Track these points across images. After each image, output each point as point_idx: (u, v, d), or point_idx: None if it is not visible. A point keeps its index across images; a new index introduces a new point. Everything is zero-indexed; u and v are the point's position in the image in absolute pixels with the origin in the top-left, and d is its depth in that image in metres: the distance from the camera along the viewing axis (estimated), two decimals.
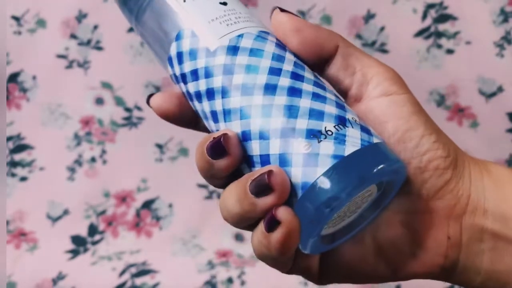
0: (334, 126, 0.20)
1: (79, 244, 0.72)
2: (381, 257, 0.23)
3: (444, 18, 0.70)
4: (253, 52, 0.21)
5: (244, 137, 0.21)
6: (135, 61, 0.73)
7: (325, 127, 0.20)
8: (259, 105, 0.20)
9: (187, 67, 0.22)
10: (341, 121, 0.20)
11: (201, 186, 0.74)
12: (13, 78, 0.73)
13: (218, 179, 0.22)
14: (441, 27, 0.70)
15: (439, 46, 0.70)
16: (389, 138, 0.22)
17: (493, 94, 0.70)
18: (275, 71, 0.21)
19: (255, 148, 0.20)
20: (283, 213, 0.19)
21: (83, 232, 0.73)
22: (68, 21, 0.73)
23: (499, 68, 0.70)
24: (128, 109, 0.74)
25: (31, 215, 0.73)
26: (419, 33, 0.70)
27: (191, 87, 0.22)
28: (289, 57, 0.22)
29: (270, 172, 0.19)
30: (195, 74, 0.22)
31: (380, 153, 0.20)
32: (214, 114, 0.22)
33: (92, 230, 0.73)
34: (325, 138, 0.19)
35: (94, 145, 0.74)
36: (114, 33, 0.73)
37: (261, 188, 0.19)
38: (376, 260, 0.23)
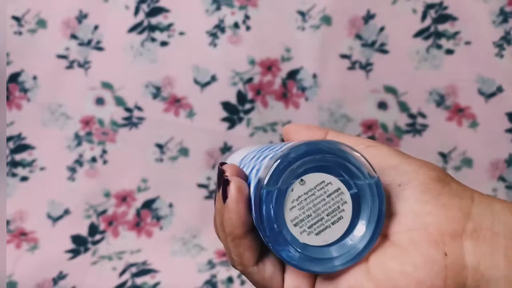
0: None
1: (79, 244, 0.72)
2: (368, 275, 0.22)
3: (443, 18, 0.70)
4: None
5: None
6: (135, 61, 0.73)
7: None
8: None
9: None
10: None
11: (201, 186, 0.74)
12: (14, 78, 0.73)
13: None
14: (441, 27, 0.70)
15: (439, 46, 0.71)
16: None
17: (492, 94, 0.70)
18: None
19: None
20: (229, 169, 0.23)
21: (83, 232, 0.73)
22: (68, 21, 0.73)
23: (499, 68, 0.70)
24: (128, 109, 0.74)
25: (31, 215, 0.73)
26: (419, 33, 0.70)
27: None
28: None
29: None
30: None
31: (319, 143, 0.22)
32: None
33: (93, 230, 0.73)
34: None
35: (94, 145, 0.74)
36: (114, 33, 0.73)
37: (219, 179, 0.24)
38: (363, 278, 0.22)
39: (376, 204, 0.22)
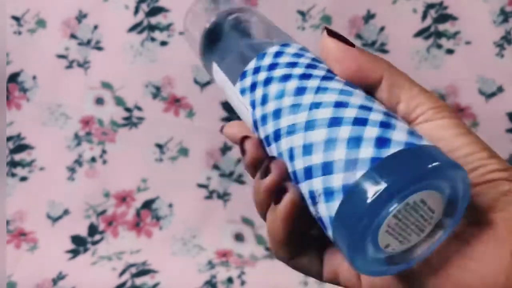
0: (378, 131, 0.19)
1: (79, 244, 0.72)
2: (429, 266, 0.21)
3: (444, 18, 0.70)
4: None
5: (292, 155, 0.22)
6: (135, 61, 0.73)
7: (368, 132, 0.19)
8: (303, 120, 0.21)
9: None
10: (386, 126, 0.19)
11: (201, 186, 0.74)
12: (13, 78, 0.73)
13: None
14: (441, 27, 0.70)
15: (439, 46, 0.70)
16: None
17: (493, 94, 0.70)
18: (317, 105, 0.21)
19: (298, 163, 0.21)
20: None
21: (83, 232, 0.73)
22: (68, 21, 0.73)
23: (499, 68, 0.70)
24: (128, 109, 0.74)
25: (31, 215, 0.73)
26: (419, 33, 0.70)
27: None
28: (334, 85, 0.22)
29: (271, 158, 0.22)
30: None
31: (433, 154, 0.18)
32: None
33: (92, 230, 0.73)
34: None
35: (94, 145, 0.74)
36: (114, 33, 0.73)
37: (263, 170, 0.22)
38: (423, 269, 0.21)
39: (459, 214, 0.20)
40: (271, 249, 0.24)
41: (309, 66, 0.23)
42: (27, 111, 0.74)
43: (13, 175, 0.74)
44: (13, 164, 0.74)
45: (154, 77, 0.73)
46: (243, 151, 0.24)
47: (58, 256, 0.70)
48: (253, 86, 0.24)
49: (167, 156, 0.74)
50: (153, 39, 0.72)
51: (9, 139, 0.74)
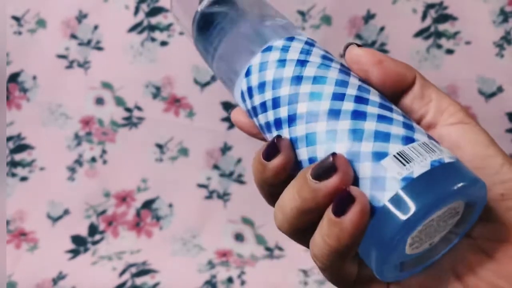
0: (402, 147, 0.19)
1: (79, 244, 0.72)
2: (459, 282, 0.21)
3: (444, 18, 0.70)
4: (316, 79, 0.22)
5: (310, 159, 0.21)
6: (135, 61, 0.73)
7: (392, 149, 0.19)
8: (323, 131, 0.21)
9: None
10: (409, 142, 0.20)
11: (201, 186, 0.74)
12: (13, 78, 0.73)
13: (272, 186, 0.22)
14: (441, 27, 0.70)
15: (439, 46, 0.70)
16: (466, 163, 0.21)
17: (492, 94, 0.70)
18: (339, 96, 0.21)
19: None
20: (355, 188, 0.19)
21: (83, 232, 0.73)
22: (68, 21, 0.73)
23: (499, 68, 0.70)
24: (128, 109, 0.74)
25: (31, 215, 0.73)
26: (419, 33, 0.70)
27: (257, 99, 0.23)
28: (353, 81, 0.22)
29: (333, 154, 0.19)
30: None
31: (456, 171, 0.19)
32: (278, 123, 0.22)
33: (92, 230, 0.73)
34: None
35: (94, 145, 0.74)
36: (114, 33, 0.73)
37: (324, 169, 0.19)
38: (453, 286, 0.21)
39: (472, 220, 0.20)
40: (323, 267, 0.21)
41: (321, 65, 0.23)
42: (27, 111, 0.74)
43: (13, 175, 0.74)
44: (13, 164, 0.74)
45: (154, 77, 0.73)
46: (275, 151, 0.21)
47: (58, 256, 0.70)
48: (262, 86, 0.23)
49: (167, 156, 0.74)
50: (153, 39, 0.73)
51: (9, 139, 0.74)
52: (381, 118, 0.20)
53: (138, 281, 0.67)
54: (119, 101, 0.73)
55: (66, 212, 0.74)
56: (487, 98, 0.70)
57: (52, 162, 0.74)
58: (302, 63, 0.22)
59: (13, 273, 0.67)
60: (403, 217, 0.18)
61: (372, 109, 0.21)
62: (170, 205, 0.74)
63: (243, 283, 0.66)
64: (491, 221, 0.21)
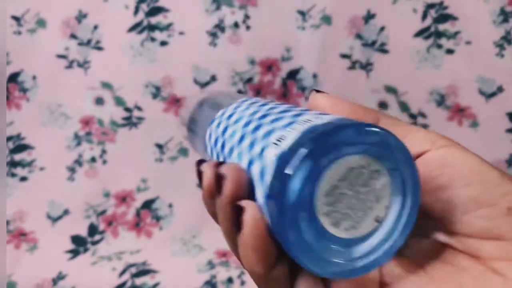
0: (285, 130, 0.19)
1: (79, 244, 0.72)
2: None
3: (444, 18, 0.70)
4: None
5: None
6: (135, 61, 0.73)
7: (273, 138, 0.19)
8: (235, 156, 0.22)
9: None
10: (289, 125, 0.19)
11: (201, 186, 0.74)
12: (13, 78, 0.73)
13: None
14: (441, 27, 0.70)
15: (439, 46, 0.70)
16: (463, 179, 0.20)
17: (493, 94, 0.70)
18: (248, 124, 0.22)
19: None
20: (244, 201, 0.19)
21: (83, 232, 0.73)
22: (68, 21, 0.73)
23: (499, 68, 0.70)
24: (128, 109, 0.74)
25: (31, 215, 0.73)
26: (419, 33, 0.70)
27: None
28: (267, 107, 0.23)
29: (219, 163, 0.20)
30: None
31: (330, 128, 0.18)
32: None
33: (92, 230, 0.73)
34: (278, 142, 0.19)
35: (94, 145, 0.74)
36: (114, 33, 0.73)
37: (214, 182, 0.20)
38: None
39: (410, 197, 0.19)
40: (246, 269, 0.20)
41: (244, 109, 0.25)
42: (27, 111, 0.74)
43: (13, 175, 0.74)
44: (13, 164, 0.74)
45: (154, 77, 0.73)
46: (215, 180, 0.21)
47: (58, 256, 0.70)
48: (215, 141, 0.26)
49: (167, 156, 0.74)
50: (153, 39, 0.72)
51: (9, 139, 0.74)
52: (273, 121, 0.21)
53: (138, 281, 0.67)
54: (119, 101, 0.73)
55: (66, 212, 0.74)
56: (487, 98, 0.70)
57: (52, 162, 0.74)
58: (229, 117, 0.25)
59: (13, 273, 0.67)
60: (282, 195, 0.17)
61: (269, 118, 0.21)
62: (170, 205, 0.74)
63: (243, 283, 0.66)
64: (502, 239, 0.19)
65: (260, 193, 0.19)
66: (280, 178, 0.17)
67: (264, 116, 0.22)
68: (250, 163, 0.20)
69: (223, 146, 0.24)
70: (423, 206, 0.21)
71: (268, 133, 0.20)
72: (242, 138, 0.22)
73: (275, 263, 0.19)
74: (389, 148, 0.18)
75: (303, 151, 0.17)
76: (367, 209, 0.19)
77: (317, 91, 0.24)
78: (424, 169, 0.20)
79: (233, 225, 0.19)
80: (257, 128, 0.21)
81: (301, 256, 0.17)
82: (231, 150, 0.22)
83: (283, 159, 0.17)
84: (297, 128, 0.18)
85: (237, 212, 0.19)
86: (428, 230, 0.21)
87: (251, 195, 0.20)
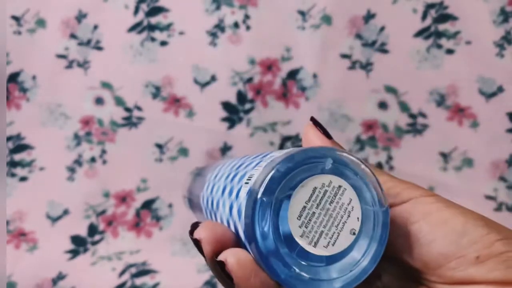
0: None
1: (79, 244, 0.72)
2: None
3: (444, 18, 0.70)
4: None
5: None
6: (135, 61, 0.73)
7: (244, 180, 0.21)
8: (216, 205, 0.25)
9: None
10: (257, 165, 0.21)
11: None
12: (13, 78, 0.73)
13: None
14: (441, 27, 0.70)
15: (439, 46, 0.70)
16: (427, 235, 0.20)
17: (493, 94, 0.70)
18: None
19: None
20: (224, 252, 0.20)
21: (83, 232, 0.73)
22: (68, 21, 0.73)
23: (499, 68, 0.70)
24: (128, 109, 0.74)
25: (31, 215, 0.73)
26: (419, 33, 0.70)
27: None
28: (249, 159, 0.24)
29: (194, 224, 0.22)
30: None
31: (288, 157, 0.19)
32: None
33: (92, 230, 0.73)
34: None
35: (94, 145, 0.74)
36: (114, 33, 0.73)
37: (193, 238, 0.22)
38: None
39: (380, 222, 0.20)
40: None
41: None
42: (27, 111, 0.74)
43: (13, 175, 0.74)
44: (13, 164, 0.74)
45: (154, 77, 0.73)
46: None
47: (58, 256, 0.70)
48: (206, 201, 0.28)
49: (167, 156, 0.74)
50: (153, 39, 0.72)
51: (8, 139, 0.73)
52: (247, 165, 0.22)
53: (138, 281, 0.67)
54: (119, 101, 0.73)
55: (65, 212, 0.74)
56: (487, 98, 0.70)
57: (51, 162, 0.74)
58: (215, 177, 0.27)
59: (13, 273, 0.67)
60: (256, 233, 0.18)
61: (244, 165, 0.23)
62: (170, 205, 0.74)
63: None
64: (476, 283, 0.19)
65: (242, 232, 0.20)
66: (250, 215, 0.19)
67: (241, 165, 0.24)
68: (231, 207, 0.22)
69: (212, 203, 0.25)
70: (400, 259, 0.21)
71: (242, 177, 0.22)
72: (224, 189, 0.24)
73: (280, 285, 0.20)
74: (343, 164, 0.20)
75: (263, 185, 0.19)
76: (340, 224, 0.20)
77: (314, 122, 0.25)
78: (391, 228, 0.20)
79: (224, 280, 0.20)
80: (234, 176, 0.23)
81: (293, 284, 0.19)
82: (218, 203, 0.24)
83: (251, 196, 0.19)
84: (262, 165, 0.20)
85: (221, 267, 0.19)
86: (411, 276, 0.22)
87: (238, 239, 0.21)
